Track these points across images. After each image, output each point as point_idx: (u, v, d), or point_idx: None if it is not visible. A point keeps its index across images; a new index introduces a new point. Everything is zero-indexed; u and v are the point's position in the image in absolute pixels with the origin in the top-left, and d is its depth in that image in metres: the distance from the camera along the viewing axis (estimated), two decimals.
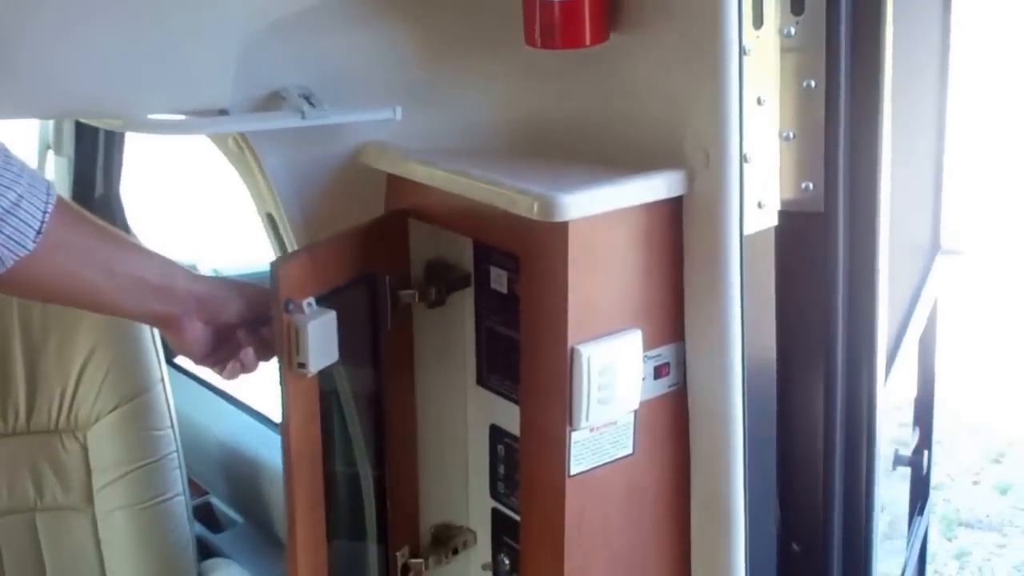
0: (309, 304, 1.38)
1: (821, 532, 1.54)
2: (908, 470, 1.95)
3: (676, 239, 1.38)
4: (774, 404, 1.49)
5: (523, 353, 1.39)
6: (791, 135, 1.40)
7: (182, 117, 1.38)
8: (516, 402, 1.49)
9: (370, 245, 1.48)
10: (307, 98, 1.39)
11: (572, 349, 1.32)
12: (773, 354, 1.47)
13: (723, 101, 1.29)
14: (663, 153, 1.37)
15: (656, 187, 1.33)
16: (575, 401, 1.33)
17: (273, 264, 1.35)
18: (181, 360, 2.46)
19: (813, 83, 1.38)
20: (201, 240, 5.33)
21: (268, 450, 2.31)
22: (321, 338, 1.37)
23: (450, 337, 1.58)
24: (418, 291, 1.52)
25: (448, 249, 1.54)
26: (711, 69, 1.28)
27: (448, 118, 1.51)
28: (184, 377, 2.60)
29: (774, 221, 1.41)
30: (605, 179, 1.30)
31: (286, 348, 1.36)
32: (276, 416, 1.46)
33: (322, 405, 1.45)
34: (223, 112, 1.40)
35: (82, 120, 1.91)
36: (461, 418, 1.61)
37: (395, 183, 1.52)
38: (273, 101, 1.43)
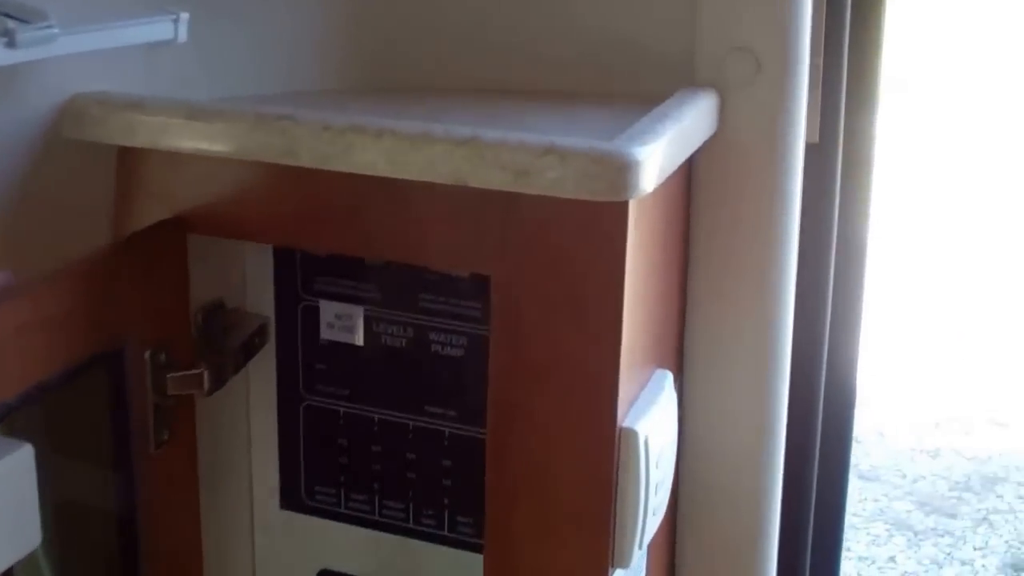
0: None
1: None
2: None
3: (686, 211, 0.83)
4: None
5: (493, 453, 0.75)
6: None
7: None
8: (371, 525, 0.91)
9: (108, 295, 0.76)
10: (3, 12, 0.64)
11: (621, 430, 0.72)
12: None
13: None
14: (639, 68, 0.82)
15: (704, 122, 0.76)
16: (625, 519, 0.73)
17: None
18: None
19: None
20: None
21: None
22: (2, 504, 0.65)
23: (227, 436, 0.91)
24: (206, 368, 0.82)
25: (223, 280, 0.86)
26: None
27: (239, 44, 0.82)
28: None
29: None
30: (661, 119, 0.71)
31: None
32: None
33: None
34: None
35: None
36: (249, 566, 0.96)
37: (143, 167, 0.79)
38: None
